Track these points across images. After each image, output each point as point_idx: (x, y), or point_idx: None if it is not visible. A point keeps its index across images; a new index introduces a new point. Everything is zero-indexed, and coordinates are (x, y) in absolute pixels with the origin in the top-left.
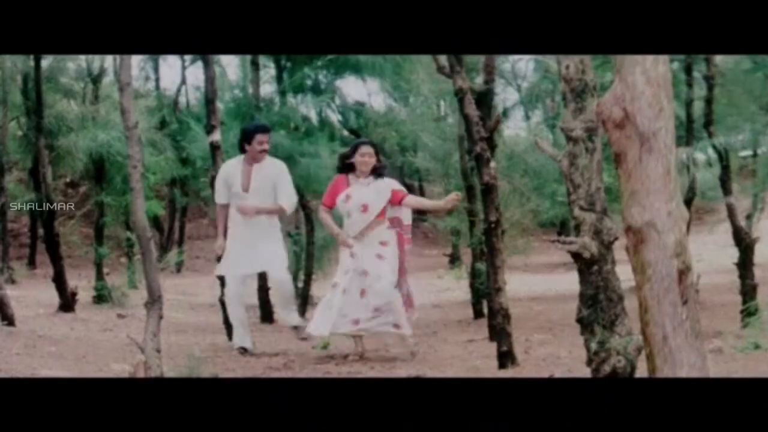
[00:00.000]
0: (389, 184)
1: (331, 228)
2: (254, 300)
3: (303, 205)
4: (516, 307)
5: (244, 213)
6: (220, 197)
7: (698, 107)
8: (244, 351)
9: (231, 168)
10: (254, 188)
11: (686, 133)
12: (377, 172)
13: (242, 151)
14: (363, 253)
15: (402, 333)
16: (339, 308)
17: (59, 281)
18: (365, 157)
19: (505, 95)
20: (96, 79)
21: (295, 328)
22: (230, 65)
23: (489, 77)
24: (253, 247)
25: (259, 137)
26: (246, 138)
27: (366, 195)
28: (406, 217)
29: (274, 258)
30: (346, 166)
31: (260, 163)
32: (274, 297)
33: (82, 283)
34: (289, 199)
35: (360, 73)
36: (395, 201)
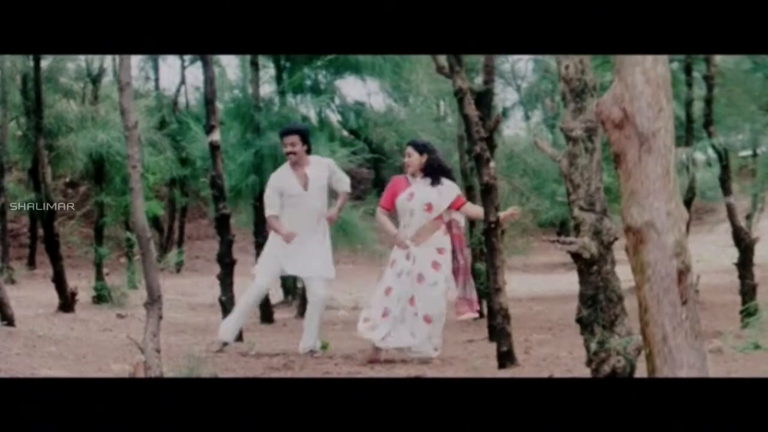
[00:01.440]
0: (452, 188)
1: (388, 228)
2: None
3: None
4: (516, 307)
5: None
6: (270, 209)
7: (698, 107)
8: (224, 345)
9: (280, 176)
10: (313, 187)
11: (686, 133)
12: (433, 174)
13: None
14: (420, 256)
15: (428, 354)
16: (394, 317)
17: (59, 281)
18: (405, 158)
19: (505, 95)
20: (95, 79)
21: (311, 352)
22: (230, 65)
23: (488, 77)
24: (300, 248)
25: (283, 140)
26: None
27: (430, 194)
28: (459, 219)
29: (318, 266)
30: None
31: (309, 166)
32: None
33: (81, 283)
34: (346, 186)
35: (359, 73)
36: (455, 206)
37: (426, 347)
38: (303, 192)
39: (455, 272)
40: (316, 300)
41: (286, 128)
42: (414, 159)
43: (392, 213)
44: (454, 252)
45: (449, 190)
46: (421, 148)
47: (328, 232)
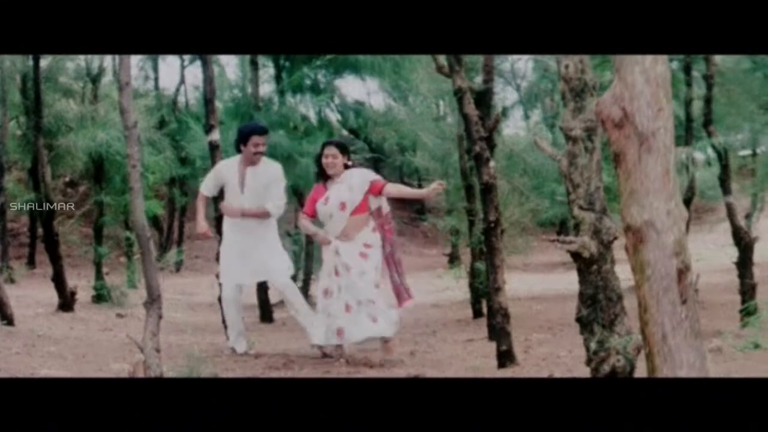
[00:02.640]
0: (363, 176)
1: (309, 230)
2: (254, 300)
3: (302, 204)
4: (515, 306)
5: (228, 214)
6: (206, 188)
7: (697, 107)
8: (234, 352)
9: (227, 167)
10: (249, 190)
11: (685, 133)
12: (354, 166)
13: (238, 150)
14: (347, 249)
15: (381, 333)
16: (329, 315)
17: (58, 281)
18: (329, 159)
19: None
20: (95, 79)
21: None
22: (229, 65)
23: (488, 77)
24: (248, 255)
25: (255, 139)
26: (242, 139)
27: (341, 192)
28: (385, 205)
29: (274, 265)
30: (323, 173)
31: (256, 165)
32: (287, 306)
33: (81, 282)
34: (276, 202)
35: (359, 72)
36: (375, 191)
37: (392, 330)
38: (240, 194)
39: (385, 260)
40: (283, 292)
41: (261, 127)
42: (339, 160)
43: (315, 219)
44: (382, 241)
45: (360, 180)
46: (343, 148)
47: (275, 228)
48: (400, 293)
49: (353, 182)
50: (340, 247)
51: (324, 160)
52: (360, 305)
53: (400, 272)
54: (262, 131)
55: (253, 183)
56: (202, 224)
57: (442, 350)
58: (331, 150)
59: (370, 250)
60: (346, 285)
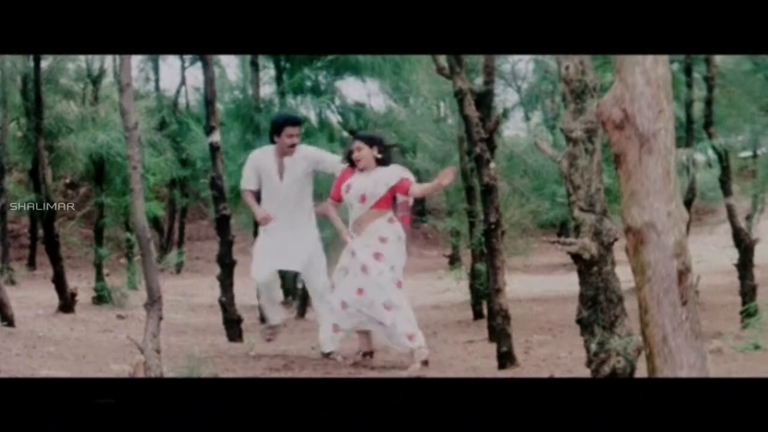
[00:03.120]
0: (393, 173)
1: (335, 221)
2: (254, 300)
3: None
4: (516, 308)
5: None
6: (248, 183)
7: (698, 108)
8: (274, 328)
9: (262, 156)
10: (288, 178)
11: (686, 134)
12: (385, 160)
13: (272, 141)
14: (361, 248)
15: (412, 347)
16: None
17: (59, 282)
18: (355, 152)
19: (505, 96)
20: (96, 80)
21: (327, 354)
22: (230, 66)
23: (489, 78)
24: (288, 246)
25: (288, 130)
26: (275, 129)
27: (365, 185)
28: (410, 199)
29: (314, 261)
30: (354, 167)
31: (293, 156)
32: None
33: (81, 283)
34: (333, 162)
35: (359, 73)
36: (402, 191)
37: (403, 339)
38: (278, 182)
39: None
40: (315, 293)
41: (295, 117)
42: (365, 153)
43: (341, 203)
44: (402, 232)
45: (388, 176)
46: (370, 141)
47: (315, 221)
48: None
49: (379, 176)
50: (354, 247)
51: (352, 155)
52: (385, 308)
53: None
54: (296, 122)
55: (291, 171)
56: (260, 212)
57: (442, 351)
58: (357, 143)
59: (385, 245)
60: (365, 285)
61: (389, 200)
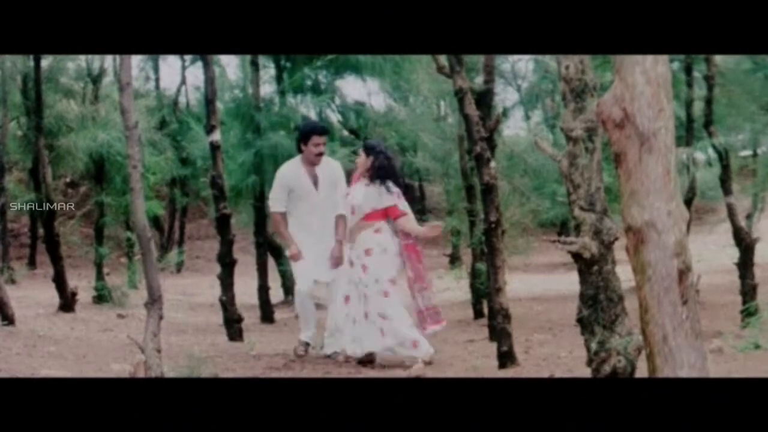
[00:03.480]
0: (383, 197)
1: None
2: (254, 300)
3: None
4: (516, 307)
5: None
6: (279, 204)
7: (698, 107)
8: (306, 346)
9: (290, 171)
10: (323, 188)
11: (686, 133)
12: (378, 176)
13: (299, 150)
14: (354, 260)
15: (419, 355)
16: (354, 322)
17: (59, 281)
18: (357, 160)
19: (505, 95)
20: (96, 79)
21: (328, 356)
22: (230, 65)
23: (489, 77)
24: (324, 255)
25: (315, 139)
26: (303, 138)
27: (357, 198)
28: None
29: (339, 270)
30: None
31: (320, 165)
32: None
33: (82, 283)
34: (343, 203)
35: (360, 73)
36: (391, 215)
37: (407, 347)
38: (314, 191)
39: (408, 284)
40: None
41: (322, 126)
42: (360, 160)
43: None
44: (404, 263)
45: (377, 198)
46: (368, 150)
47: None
48: (422, 317)
49: (371, 194)
50: (350, 257)
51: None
52: (381, 318)
53: (423, 291)
54: (323, 131)
55: (324, 181)
56: (293, 247)
57: (442, 351)
58: (360, 151)
59: (370, 258)
60: (357, 295)
61: (378, 216)
